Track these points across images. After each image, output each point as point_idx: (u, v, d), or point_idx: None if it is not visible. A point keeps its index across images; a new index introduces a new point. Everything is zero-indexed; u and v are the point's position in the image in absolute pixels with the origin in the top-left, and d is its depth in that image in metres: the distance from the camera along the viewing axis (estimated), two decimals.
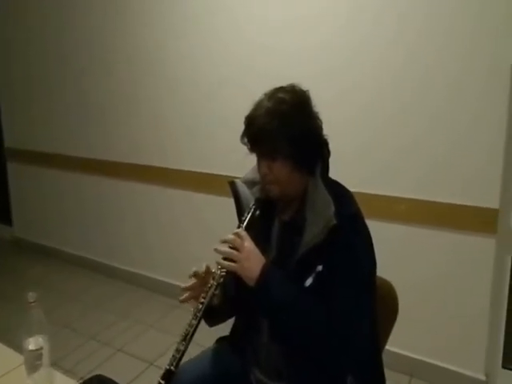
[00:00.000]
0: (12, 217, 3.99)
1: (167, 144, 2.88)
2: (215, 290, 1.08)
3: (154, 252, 3.12)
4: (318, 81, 2.09)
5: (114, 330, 2.68)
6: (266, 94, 1.10)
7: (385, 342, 1.25)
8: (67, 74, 3.26)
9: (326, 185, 1.09)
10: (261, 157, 1.10)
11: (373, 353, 1.16)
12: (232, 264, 1.03)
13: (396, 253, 2.12)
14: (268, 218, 1.20)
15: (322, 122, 1.12)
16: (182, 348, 1.03)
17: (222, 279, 1.08)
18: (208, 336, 1.33)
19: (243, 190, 1.20)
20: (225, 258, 1.04)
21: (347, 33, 2.13)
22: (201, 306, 1.06)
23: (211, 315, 1.17)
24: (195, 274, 1.13)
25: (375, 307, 1.12)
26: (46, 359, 0.97)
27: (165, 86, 2.80)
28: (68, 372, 2.30)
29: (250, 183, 1.22)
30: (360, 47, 2.11)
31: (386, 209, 2.11)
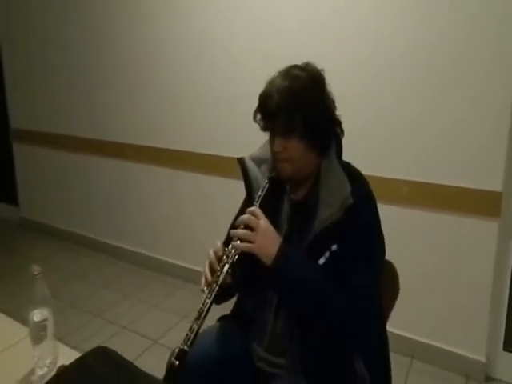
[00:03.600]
0: (18, 198, 4.02)
1: (173, 125, 2.87)
2: (229, 268, 1.06)
3: (158, 233, 3.15)
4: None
5: (119, 309, 2.73)
6: (280, 72, 1.10)
7: (386, 320, 1.27)
8: (72, 55, 3.24)
9: (340, 164, 1.09)
10: (275, 134, 1.09)
11: (379, 332, 1.17)
12: (248, 245, 1.02)
13: (398, 235, 2.12)
14: (278, 197, 1.19)
15: (334, 102, 1.12)
16: (195, 327, 1.02)
17: (236, 257, 1.06)
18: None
19: (252, 166, 1.20)
20: (240, 239, 1.03)
21: (355, 7, 2.10)
22: (215, 285, 1.05)
23: (220, 293, 1.15)
24: (215, 253, 1.12)
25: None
26: (50, 331, 0.99)
27: (173, 66, 2.78)
28: (74, 348, 2.34)
29: (258, 161, 1.21)
30: (365, 23, 2.08)
31: (388, 191, 2.11)
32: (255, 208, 1.07)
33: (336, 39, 2.17)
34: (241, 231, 1.03)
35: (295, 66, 1.10)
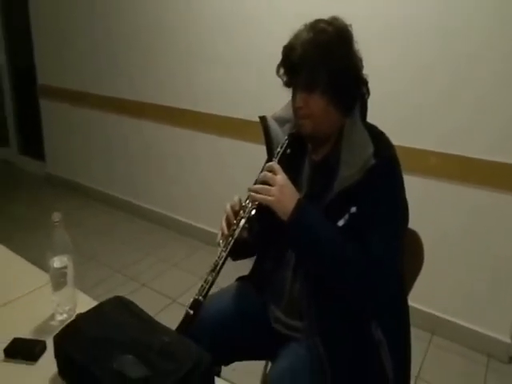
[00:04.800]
0: (45, 153, 4.08)
1: (193, 86, 2.82)
2: (246, 223, 1.05)
3: (176, 194, 3.16)
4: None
5: (139, 266, 2.78)
6: (305, 25, 1.04)
7: (409, 290, 1.23)
8: (98, 13, 3.19)
9: (364, 126, 1.05)
10: (297, 89, 1.05)
11: (400, 299, 1.14)
12: (266, 197, 1.00)
13: (425, 207, 2.06)
14: (298, 157, 1.16)
15: (362, 60, 1.06)
16: (210, 279, 1.03)
17: (253, 212, 1.05)
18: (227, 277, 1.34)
19: (274, 125, 1.16)
20: (258, 193, 1.02)
21: None
22: (230, 239, 1.05)
23: (237, 249, 1.13)
24: (232, 206, 1.11)
25: (403, 254, 1.08)
26: (69, 278, 0.99)
27: (193, 27, 2.71)
28: (93, 301, 2.42)
29: (281, 120, 1.18)
30: None
31: (416, 162, 2.04)
32: (273, 163, 1.05)
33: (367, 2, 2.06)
34: (258, 185, 1.02)
35: (322, 20, 1.04)
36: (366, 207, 0.99)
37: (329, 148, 1.11)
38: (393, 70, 2.05)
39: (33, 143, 4.23)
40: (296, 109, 1.07)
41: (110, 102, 3.30)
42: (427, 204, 2.07)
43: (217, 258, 1.04)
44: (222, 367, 1.23)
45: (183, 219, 3.15)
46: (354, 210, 1.00)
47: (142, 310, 0.89)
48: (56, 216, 0.95)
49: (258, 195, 1.01)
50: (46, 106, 3.90)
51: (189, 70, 2.82)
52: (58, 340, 0.83)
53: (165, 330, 0.83)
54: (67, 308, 1.02)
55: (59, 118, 3.81)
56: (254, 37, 2.46)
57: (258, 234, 1.16)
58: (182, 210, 3.16)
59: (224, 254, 1.04)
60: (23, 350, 0.91)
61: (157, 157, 3.20)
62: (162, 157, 3.18)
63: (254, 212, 1.05)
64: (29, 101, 4.05)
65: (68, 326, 0.85)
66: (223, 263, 1.03)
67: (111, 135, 3.45)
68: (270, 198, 1.00)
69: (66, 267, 0.97)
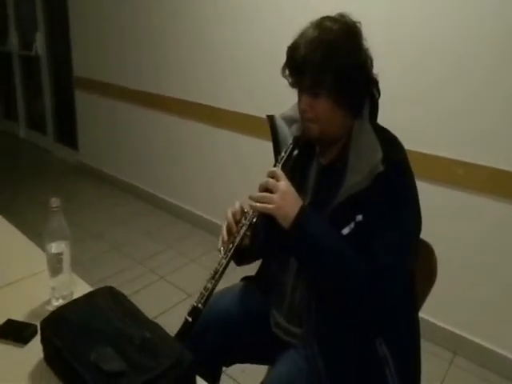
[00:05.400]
0: (78, 142, 4.20)
1: (218, 83, 2.80)
2: (247, 230, 1.03)
3: (198, 189, 3.16)
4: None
5: (159, 259, 2.79)
6: (311, 23, 1.00)
7: (421, 304, 1.15)
8: (128, 7, 3.24)
9: (373, 129, 0.98)
10: (302, 91, 1.01)
11: (408, 313, 1.08)
12: (266, 205, 0.97)
13: (449, 218, 1.96)
14: (306, 160, 1.12)
15: (372, 59, 1.00)
16: (210, 286, 1.01)
17: (254, 219, 1.03)
18: (233, 275, 1.31)
19: (281, 125, 1.12)
20: (258, 202, 0.99)
21: None
22: (231, 246, 1.03)
23: (240, 254, 1.13)
24: (233, 215, 1.09)
25: (414, 268, 1.02)
26: (66, 264, 0.99)
27: (219, 25, 2.69)
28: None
29: (289, 120, 1.14)
30: None
31: (443, 172, 1.93)
32: (276, 169, 1.01)
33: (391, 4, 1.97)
34: (259, 194, 0.98)
35: (328, 18, 0.99)
36: (373, 216, 0.93)
37: (337, 151, 1.06)
38: (417, 72, 1.95)
39: (67, 132, 4.36)
40: (301, 112, 1.02)
41: (137, 95, 3.35)
42: (454, 215, 1.96)
43: (217, 265, 1.02)
44: (229, 372, 1.22)
45: (204, 214, 3.14)
46: (360, 218, 0.95)
47: (130, 303, 0.87)
48: (54, 202, 0.94)
49: (259, 204, 0.98)
50: (81, 97, 4.00)
51: (212, 68, 2.81)
52: (44, 325, 0.82)
53: (149, 324, 0.81)
54: (64, 294, 1.02)
55: (91, 109, 3.91)
56: (279, 35, 2.40)
57: (263, 237, 1.13)
58: (202, 206, 3.16)
59: (224, 262, 1.01)
60: (14, 332, 0.91)
61: (178, 151, 3.22)
62: (183, 151, 3.19)
63: (255, 220, 1.03)
64: (66, 91, 4.17)
65: (55, 312, 0.84)
66: (223, 271, 1.01)
67: (136, 127, 3.50)
68: (270, 206, 0.96)
69: (61, 253, 0.96)
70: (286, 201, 0.96)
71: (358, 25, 0.99)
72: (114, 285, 2.62)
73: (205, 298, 0.99)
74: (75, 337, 0.77)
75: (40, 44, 4.30)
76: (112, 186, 3.81)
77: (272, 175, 0.99)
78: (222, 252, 1.04)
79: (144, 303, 2.27)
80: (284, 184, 0.97)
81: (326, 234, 0.95)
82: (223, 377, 1.43)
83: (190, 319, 0.98)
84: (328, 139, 1.05)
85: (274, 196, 0.96)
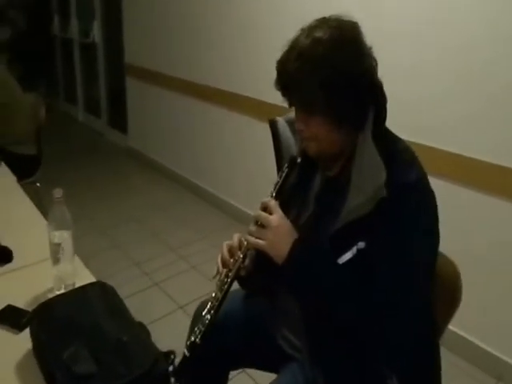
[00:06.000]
0: (128, 127, 4.32)
1: (262, 76, 2.72)
2: (242, 262, 0.99)
3: (238, 181, 3.14)
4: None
5: (192, 248, 2.81)
6: (303, 30, 0.89)
7: (440, 334, 1.04)
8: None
9: (378, 141, 0.87)
10: (296, 109, 0.92)
11: (427, 350, 0.98)
12: (259, 241, 0.91)
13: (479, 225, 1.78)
14: (309, 173, 1.03)
15: (376, 61, 0.89)
16: (206, 321, 0.98)
17: (248, 251, 0.99)
18: None
19: (285, 131, 1.03)
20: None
21: None
22: (226, 279, 0.99)
23: (244, 281, 1.11)
24: (229, 249, 1.05)
25: (432, 296, 0.92)
26: (68, 253, 0.99)
27: (264, 18, 2.61)
28: (145, 274, 2.51)
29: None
30: None
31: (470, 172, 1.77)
32: (269, 200, 0.94)
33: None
34: (252, 228, 0.93)
35: (320, 24, 0.88)
36: (377, 246, 0.84)
37: (342, 164, 0.96)
38: (448, 71, 1.80)
39: (119, 117, 4.50)
40: (297, 130, 0.95)
41: (183, 84, 3.37)
42: (482, 222, 1.79)
43: (212, 300, 0.99)
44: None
45: (243, 208, 3.12)
46: (362, 245, 0.86)
47: (120, 301, 0.86)
48: (57, 192, 0.94)
49: (251, 238, 0.93)
50: (131, 84, 4.11)
51: (253, 59, 2.76)
52: (32, 316, 0.82)
53: (132, 327, 0.79)
54: (67, 283, 1.02)
55: (141, 96, 4.00)
56: None
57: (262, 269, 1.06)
58: (242, 198, 3.13)
59: (220, 296, 0.98)
60: (11, 318, 0.94)
61: (220, 142, 3.20)
62: (224, 142, 3.17)
63: (249, 252, 0.99)
64: (118, 78, 4.31)
65: (44, 303, 0.84)
66: (220, 305, 0.98)
67: (182, 117, 3.52)
68: (261, 242, 0.91)
69: (61, 243, 0.96)
70: (279, 236, 0.90)
71: (355, 27, 0.88)
72: (146, 270, 2.67)
73: (202, 332, 0.97)
74: (57, 332, 0.77)
75: (97, 32, 4.47)
76: (157, 172, 3.89)
77: (264, 207, 0.93)
78: (218, 286, 1.01)
79: (173, 291, 2.34)
80: (276, 218, 0.91)
81: (321, 268, 0.89)
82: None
83: (188, 354, 0.96)
84: (329, 156, 0.96)
85: (267, 232, 0.90)
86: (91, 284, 0.90)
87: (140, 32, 3.80)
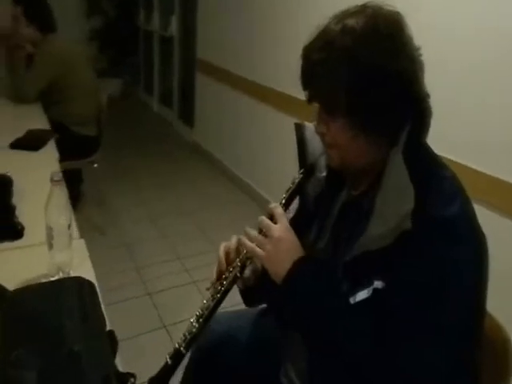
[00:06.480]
0: (195, 122, 4.36)
1: None
2: (239, 272, 0.87)
3: None
4: None
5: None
6: (335, 16, 0.75)
7: None
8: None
9: (413, 162, 0.70)
10: (318, 109, 0.78)
11: None
12: (256, 250, 0.79)
13: None
14: (336, 186, 0.89)
15: (421, 65, 0.73)
16: (194, 330, 0.86)
17: (249, 261, 0.87)
18: None
19: (312, 136, 0.89)
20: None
21: None
22: (220, 287, 0.87)
23: (246, 295, 0.99)
24: (226, 252, 0.94)
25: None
26: (63, 239, 0.92)
27: None
28: (185, 271, 2.46)
29: None
30: None
31: None
32: (275, 207, 0.82)
33: None
34: (253, 233, 0.81)
35: (355, 11, 0.74)
36: (398, 291, 0.68)
37: (369, 183, 0.81)
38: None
39: (188, 111, 4.56)
40: (318, 134, 0.80)
41: (250, 85, 3.29)
42: None
43: (203, 307, 0.88)
44: None
45: None
46: (379, 285, 0.70)
47: (93, 303, 0.76)
48: (55, 175, 0.87)
49: (248, 244, 0.81)
50: (201, 79, 4.13)
51: None
52: (3, 304, 0.75)
53: (95, 336, 0.68)
54: (64, 271, 0.96)
55: (208, 92, 4.01)
56: None
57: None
58: None
59: (211, 305, 0.87)
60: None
61: (279, 148, 3.07)
62: (284, 149, 3.03)
63: (249, 262, 0.87)
64: (190, 72, 4.36)
65: (17, 291, 0.78)
66: (210, 316, 0.87)
67: (242, 116, 3.47)
68: (259, 252, 0.79)
69: (53, 228, 0.89)
70: (279, 250, 0.77)
71: (397, 21, 0.72)
72: (187, 266, 2.61)
73: (187, 341, 0.85)
74: (18, 326, 0.70)
75: (174, 26, 4.58)
76: (215, 169, 3.88)
77: (270, 213, 0.81)
78: (210, 294, 0.89)
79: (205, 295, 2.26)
80: (280, 228, 0.79)
81: (323, 303, 0.74)
82: None
83: (170, 362, 0.85)
84: (353, 171, 0.82)
85: (266, 242, 0.78)
86: (70, 279, 0.83)
87: (212, 28, 3.81)
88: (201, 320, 0.86)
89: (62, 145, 2.28)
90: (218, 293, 0.87)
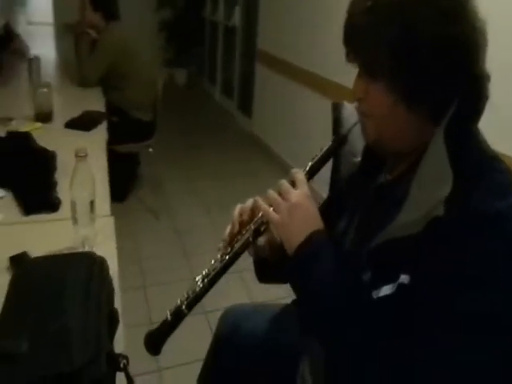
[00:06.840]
0: (253, 113, 4.35)
1: None
2: (252, 237, 0.80)
3: None
4: None
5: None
6: None
7: None
8: None
9: (456, 148, 0.61)
10: (357, 73, 0.71)
11: None
12: (271, 212, 0.74)
13: None
14: (372, 171, 0.81)
15: (486, 38, 0.63)
16: (197, 290, 0.81)
17: (263, 227, 0.79)
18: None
19: (349, 116, 0.82)
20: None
21: None
22: (229, 249, 0.81)
23: (260, 268, 0.93)
24: (241, 214, 0.87)
25: None
26: (84, 214, 0.91)
27: None
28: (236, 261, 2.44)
29: None
30: None
31: None
32: (297, 172, 0.75)
33: None
34: (271, 193, 0.75)
35: None
36: (425, 286, 0.60)
37: (406, 166, 0.72)
38: None
39: (247, 102, 4.56)
40: (354, 99, 0.72)
41: (305, 75, 3.21)
42: None
43: (210, 267, 0.82)
44: None
45: None
46: (405, 279, 0.62)
47: (99, 280, 0.73)
48: (81, 150, 0.86)
49: (264, 206, 0.75)
50: (260, 70, 4.11)
51: None
52: (27, 264, 0.75)
53: (93, 314, 0.66)
54: (88, 244, 0.97)
55: (267, 83, 3.98)
56: None
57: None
58: None
59: (218, 266, 0.81)
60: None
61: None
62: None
63: (263, 228, 0.79)
64: (250, 63, 4.35)
65: (39, 257, 0.79)
66: (215, 278, 0.81)
67: (299, 109, 3.39)
68: (272, 215, 0.73)
69: (78, 202, 0.88)
70: (295, 217, 0.71)
71: None
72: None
73: (190, 300, 0.80)
74: (23, 293, 0.70)
75: (237, 17, 4.59)
76: (272, 161, 3.82)
77: (291, 178, 0.75)
78: (219, 255, 0.83)
79: (252, 284, 2.21)
80: (298, 194, 0.72)
81: (335, 280, 0.67)
82: None
83: (169, 318, 0.80)
84: (390, 150, 0.73)
85: (282, 205, 0.72)
86: (83, 254, 0.82)
87: (273, 19, 3.77)
88: (205, 280, 0.80)
89: (119, 128, 2.36)
90: (226, 254, 0.81)
